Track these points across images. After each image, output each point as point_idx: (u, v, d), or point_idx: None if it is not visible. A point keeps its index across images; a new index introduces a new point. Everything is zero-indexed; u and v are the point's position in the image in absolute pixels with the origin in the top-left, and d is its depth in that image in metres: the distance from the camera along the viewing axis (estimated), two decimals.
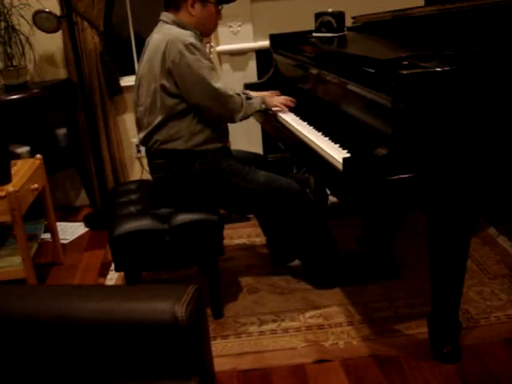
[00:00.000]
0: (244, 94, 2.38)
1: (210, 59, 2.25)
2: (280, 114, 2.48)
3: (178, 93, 2.19)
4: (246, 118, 2.36)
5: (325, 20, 2.82)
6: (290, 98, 2.52)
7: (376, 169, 1.65)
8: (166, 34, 2.20)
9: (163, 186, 2.32)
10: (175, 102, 2.20)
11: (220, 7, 2.34)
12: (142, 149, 2.70)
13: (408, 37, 2.51)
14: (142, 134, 2.32)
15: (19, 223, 2.46)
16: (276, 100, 2.50)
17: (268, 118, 2.59)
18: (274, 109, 2.49)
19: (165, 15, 2.30)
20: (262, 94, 2.54)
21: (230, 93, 2.24)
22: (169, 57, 2.14)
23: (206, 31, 2.36)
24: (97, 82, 3.35)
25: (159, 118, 2.22)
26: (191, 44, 2.15)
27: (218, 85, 2.20)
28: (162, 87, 2.18)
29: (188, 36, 2.19)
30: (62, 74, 3.45)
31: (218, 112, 2.25)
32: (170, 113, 2.22)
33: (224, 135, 2.40)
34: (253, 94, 2.47)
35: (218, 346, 2.16)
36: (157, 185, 2.36)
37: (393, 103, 1.72)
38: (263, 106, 2.44)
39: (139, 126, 2.35)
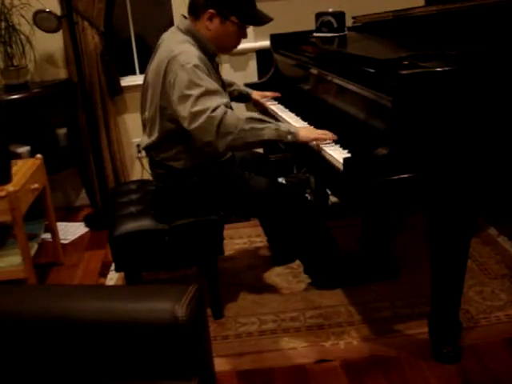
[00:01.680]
0: (260, 117, 2.09)
1: (211, 81, 2.04)
2: (280, 113, 2.47)
3: (175, 116, 2.07)
4: (245, 145, 2.04)
5: (325, 20, 2.82)
6: (329, 133, 2.05)
7: (376, 169, 1.65)
8: (171, 49, 2.07)
9: (164, 194, 2.31)
10: (173, 125, 2.11)
11: (247, 26, 2.19)
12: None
13: (408, 37, 2.50)
14: (143, 141, 2.27)
15: (19, 223, 2.46)
16: (315, 133, 2.07)
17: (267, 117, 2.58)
18: (314, 143, 2.05)
19: (182, 22, 2.19)
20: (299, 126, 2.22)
21: (214, 114, 1.95)
22: (167, 77, 2.04)
23: (222, 48, 2.23)
24: (97, 82, 3.35)
25: (158, 136, 2.16)
26: (189, 65, 2.00)
27: (198, 108, 1.97)
28: (162, 109, 2.10)
29: (191, 56, 2.04)
30: (62, 73, 3.45)
31: (195, 136, 2.03)
32: (166, 135, 2.15)
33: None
34: (288, 120, 2.25)
35: (218, 346, 2.15)
36: (158, 191, 2.34)
37: (393, 103, 1.72)
38: (290, 137, 2.04)
39: (144, 127, 2.29)
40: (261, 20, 2.20)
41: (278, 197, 2.29)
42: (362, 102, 2.01)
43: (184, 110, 2.00)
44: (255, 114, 2.12)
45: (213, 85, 2.04)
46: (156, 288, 1.45)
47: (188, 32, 2.15)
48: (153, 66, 2.16)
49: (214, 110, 1.97)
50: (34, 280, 2.57)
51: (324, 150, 1.98)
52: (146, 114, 2.22)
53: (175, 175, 2.24)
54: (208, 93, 2.00)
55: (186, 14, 2.20)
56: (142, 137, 2.32)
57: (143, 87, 2.25)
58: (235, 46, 2.26)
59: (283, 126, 2.08)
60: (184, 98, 2.00)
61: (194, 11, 2.15)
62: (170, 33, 2.23)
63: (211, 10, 2.10)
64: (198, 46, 2.14)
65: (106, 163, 3.48)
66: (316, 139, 2.04)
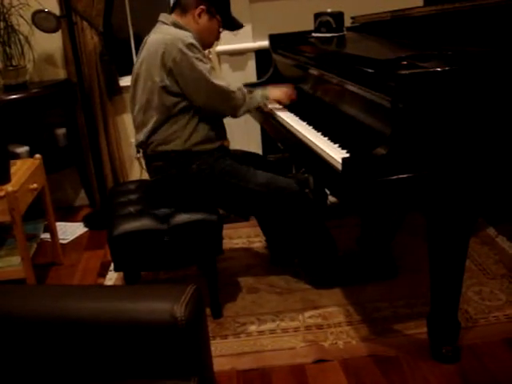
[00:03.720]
0: (248, 89, 2.41)
1: (207, 61, 2.25)
2: (279, 114, 2.47)
3: (179, 91, 2.19)
4: (248, 112, 2.43)
5: (324, 20, 2.82)
6: (292, 91, 2.53)
7: (375, 169, 1.65)
8: (165, 34, 2.20)
9: (162, 188, 2.32)
10: (175, 100, 2.19)
11: (221, 30, 2.39)
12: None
13: (407, 37, 2.51)
14: (137, 137, 2.31)
15: (18, 223, 2.46)
16: (279, 90, 2.51)
17: (267, 117, 2.59)
18: (270, 106, 2.52)
19: (164, 16, 2.30)
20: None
21: (232, 89, 2.26)
22: (169, 56, 2.13)
23: (203, 43, 2.33)
24: (96, 82, 3.36)
25: (155, 118, 2.22)
26: (191, 44, 2.16)
27: (219, 82, 2.22)
28: (163, 87, 2.17)
29: (187, 36, 2.19)
30: (61, 73, 3.45)
31: (221, 108, 2.29)
32: (167, 113, 2.21)
33: (221, 134, 2.38)
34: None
35: (217, 346, 2.16)
36: (156, 186, 2.36)
37: (392, 103, 1.72)
38: (265, 100, 2.47)
39: (135, 126, 2.34)
40: (236, 24, 2.46)
41: (276, 193, 2.29)
42: (360, 102, 2.01)
43: (199, 83, 2.18)
44: (244, 88, 2.40)
45: (208, 64, 2.26)
46: (155, 288, 1.45)
47: (172, 24, 2.26)
48: (143, 57, 2.25)
49: (229, 86, 2.25)
50: (33, 280, 2.57)
51: (278, 116, 2.46)
52: (137, 106, 2.27)
53: (173, 162, 2.25)
54: (213, 68, 2.26)
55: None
56: (135, 137, 2.36)
57: (132, 83, 2.31)
58: (210, 46, 2.46)
59: (262, 92, 2.47)
60: (199, 73, 2.16)
61: (183, 7, 2.29)
62: (154, 28, 2.31)
63: (202, 6, 2.27)
64: None
65: (104, 163, 3.48)
66: (281, 99, 2.52)
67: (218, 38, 2.43)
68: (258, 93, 2.44)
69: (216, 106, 2.27)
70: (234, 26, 2.45)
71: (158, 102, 2.20)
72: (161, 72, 2.17)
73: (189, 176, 2.26)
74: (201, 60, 2.18)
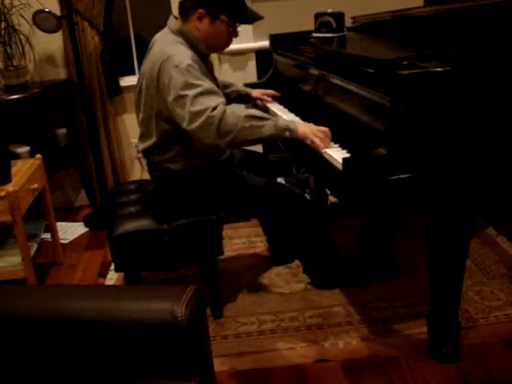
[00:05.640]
0: (259, 114, 2.04)
1: (206, 80, 2.03)
2: (279, 114, 2.47)
3: (170, 117, 2.07)
4: (246, 143, 2.07)
5: (324, 20, 2.82)
6: (328, 132, 2.02)
7: (375, 169, 1.65)
8: (164, 51, 2.05)
9: (162, 195, 2.31)
10: (170, 127, 2.11)
11: (238, 25, 2.19)
12: None
13: (407, 37, 2.51)
14: (140, 144, 2.26)
15: (19, 223, 2.47)
16: (313, 134, 2.00)
17: None
18: (308, 142, 2.01)
19: (172, 22, 2.18)
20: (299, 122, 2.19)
21: (213, 113, 1.94)
22: (160, 78, 2.03)
23: (213, 47, 2.22)
24: (97, 82, 3.36)
25: (155, 139, 2.16)
26: (183, 66, 1.99)
27: (197, 108, 1.95)
28: (158, 111, 2.10)
29: (184, 57, 2.03)
30: (62, 73, 3.45)
31: (196, 136, 2.01)
32: (165, 136, 2.15)
33: (223, 151, 2.32)
34: (285, 116, 2.28)
35: (217, 346, 2.16)
36: (156, 192, 2.34)
37: (392, 103, 1.72)
38: (287, 133, 2.02)
39: (140, 132, 2.29)
40: (251, 18, 2.20)
41: (276, 196, 2.29)
42: (361, 102, 2.01)
43: (182, 110, 1.99)
44: (254, 111, 2.07)
45: (208, 84, 2.03)
46: (155, 288, 1.45)
47: (179, 33, 2.15)
48: (146, 69, 2.14)
49: (214, 109, 1.96)
50: (34, 280, 2.58)
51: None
52: (141, 115, 2.21)
53: (173, 177, 2.24)
54: (204, 92, 1.99)
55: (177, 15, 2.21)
56: (137, 138, 2.32)
57: (137, 89, 2.23)
58: (227, 45, 2.25)
59: (281, 123, 2.05)
60: (180, 98, 1.99)
61: (184, 12, 2.15)
62: (161, 34, 2.22)
63: (201, 10, 2.11)
64: (190, 46, 2.14)
65: (105, 163, 3.48)
66: (313, 142, 1.99)
67: (234, 35, 2.19)
68: (278, 123, 2.03)
69: (192, 133, 2.01)
70: (247, 19, 2.22)
71: (155, 124, 2.14)
72: (157, 96, 2.07)
73: (188, 188, 2.25)
74: (187, 83, 1.97)
